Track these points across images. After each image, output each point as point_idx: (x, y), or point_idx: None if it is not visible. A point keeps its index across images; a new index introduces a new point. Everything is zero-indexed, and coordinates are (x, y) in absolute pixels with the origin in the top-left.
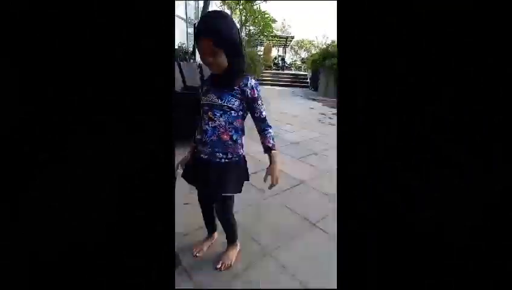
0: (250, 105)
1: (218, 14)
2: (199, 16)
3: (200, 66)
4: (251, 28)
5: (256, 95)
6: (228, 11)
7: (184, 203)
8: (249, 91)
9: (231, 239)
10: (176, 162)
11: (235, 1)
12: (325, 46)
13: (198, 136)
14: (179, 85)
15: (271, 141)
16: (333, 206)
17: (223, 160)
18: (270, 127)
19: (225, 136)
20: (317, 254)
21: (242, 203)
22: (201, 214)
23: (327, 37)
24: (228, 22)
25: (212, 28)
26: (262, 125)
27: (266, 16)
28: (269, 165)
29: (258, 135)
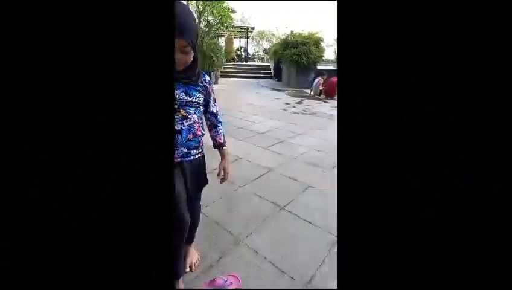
0: (207, 100)
1: (180, 7)
2: None
3: None
4: (209, 18)
5: (212, 90)
6: (184, 1)
7: None
8: (208, 86)
9: (193, 238)
10: None
11: None
12: (285, 37)
13: None
14: None
15: (222, 138)
16: (299, 189)
17: (197, 156)
18: (221, 123)
19: (199, 132)
20: (287, 234)
21: (214, 196)
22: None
23: (286, 27)
24: (191, 15)
25: (183, 27)
26: (215, 120)
27: (224, 5)
28: (221, 161)
29: (209, 130)
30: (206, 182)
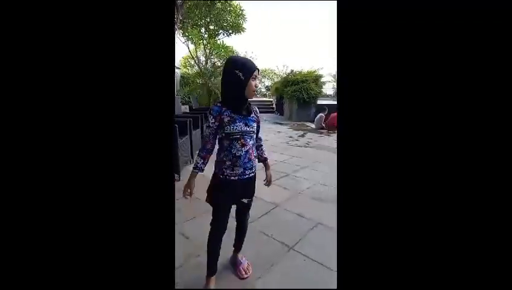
0: (258, 127)
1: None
2: None
3: None
4: (215, 60)
5: (259, 119)
6: (192, 46)
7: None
8: (259, 116)
9: (241, 247)
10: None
11: (197, 36)
12: (285, 75)
13: (228, 162)
14: None
15: (265, 153)
16: (308, 227)
17: (250, 175)
18: (262, 142)
19: (252, 156)
20: (298, 277)
21: None
22: (212, 246)
23: (287, 66)
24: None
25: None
26: (260, 142)
27: (229, 50)
28: (267, 171)
29: (256, 149)
30: (252, 196)
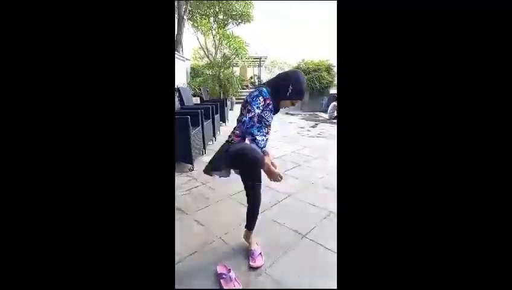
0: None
1: (301, 75)
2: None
3: (178, 89)
4: (225, 50)
5: None
6: (201, 36)
7: None
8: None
9: (254, 225)
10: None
11: (207, 26)
12: (296, 64)
13: (256, 138)
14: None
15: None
16: (320, 216)
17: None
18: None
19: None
20: (311, 265)
21: (232, 223)
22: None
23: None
24: (304, 81)
25: (302, 91)
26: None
27: (239, 39)
28: None
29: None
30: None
